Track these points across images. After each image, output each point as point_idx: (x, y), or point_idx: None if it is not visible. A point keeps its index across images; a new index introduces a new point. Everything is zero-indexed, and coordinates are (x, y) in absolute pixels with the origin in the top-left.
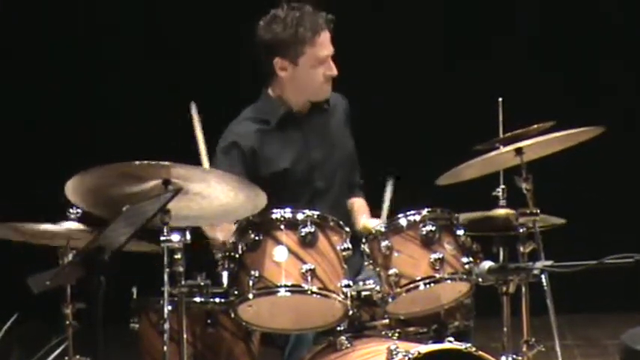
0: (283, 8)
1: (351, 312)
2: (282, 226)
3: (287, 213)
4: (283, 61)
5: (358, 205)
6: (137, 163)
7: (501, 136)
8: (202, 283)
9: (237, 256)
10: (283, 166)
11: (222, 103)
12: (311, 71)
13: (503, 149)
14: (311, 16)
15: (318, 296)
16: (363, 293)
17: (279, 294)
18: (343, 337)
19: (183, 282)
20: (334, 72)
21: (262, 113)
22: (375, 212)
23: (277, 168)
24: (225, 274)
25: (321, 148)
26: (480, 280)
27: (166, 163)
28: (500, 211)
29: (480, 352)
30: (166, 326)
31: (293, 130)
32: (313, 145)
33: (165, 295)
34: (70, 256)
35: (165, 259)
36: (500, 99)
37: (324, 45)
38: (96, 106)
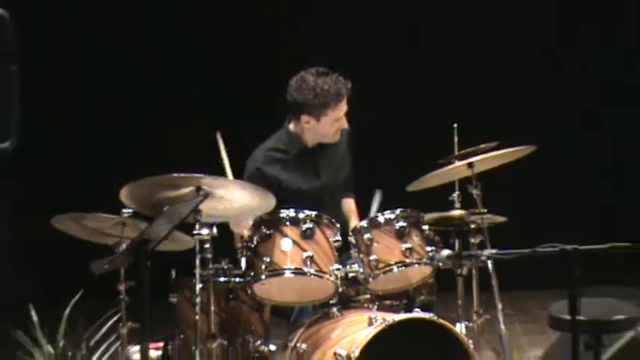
0: (312, 74)
1: (340, 289)
2: (288, 223)
3: (291, 212)
4: (309, 118)
5: (349, 209)
6: (175, 175)
7: (456, 153)
8: (225, 267)
9: (252, 245)
10: (298, 187)
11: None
12: (328, 126)
13: (457, 163)
14: (336, 86)
15: (315, 277)
16: (350, 274)
17: (285, 275)
18: (335, 309)
19: (210, 265)
20: (345, 126)
21: (284, 144)
22: (361, 210)
23: (293, 188)
24: (243, 260)
25: (328, 174)
26: (440, 264)
27: (198, 175)
28: (455, 213)
29: (441, 320)
30: (198, 300)
31: (307, 160)
32: (323, 172)
33: (197, 275)
34: (123, 246)
35: (197, 247)
36: (455, 125)
37: (341, 108)
38: (146, 125)
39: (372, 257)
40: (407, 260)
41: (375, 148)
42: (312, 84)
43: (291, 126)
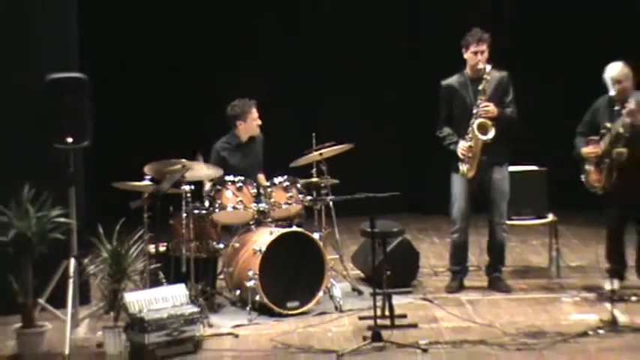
0: (236, 100)
1: (256, 216)
2: (229, 183)
3: (231, 177)
4: (241, 121)
5: (260, 177)
6: (173, 160)
7: (314, 147)
8: (198, 205)
9: (211, 194)
10: (235, 164)
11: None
12: (251, 124)
13: (315, 152)
14: (248, 103)
15: (243, 210)
16: (261, 209)
17: (227, 209)
18: (253, 226)
19: (190, 204)
20: (260, 123)
21: (231, 140)
22: (267, 176)
23: (232, 165)
24: (207, 202)
25: (251, 159)
26: (306, 204)
27: (183, 160)
28: (314, 179)
29: (306, 232)
30: (184, 222)
31: (241, 150)
32: (248, 157)
33: (183, 208)
34: (146, 194)
35: (183, 195)
36: (314, 134)
37: (255, 113)
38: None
39: (272, 200)
40: (289, 202)
41: (275, 146)
42: (237, 104)
43: (235, 131)
